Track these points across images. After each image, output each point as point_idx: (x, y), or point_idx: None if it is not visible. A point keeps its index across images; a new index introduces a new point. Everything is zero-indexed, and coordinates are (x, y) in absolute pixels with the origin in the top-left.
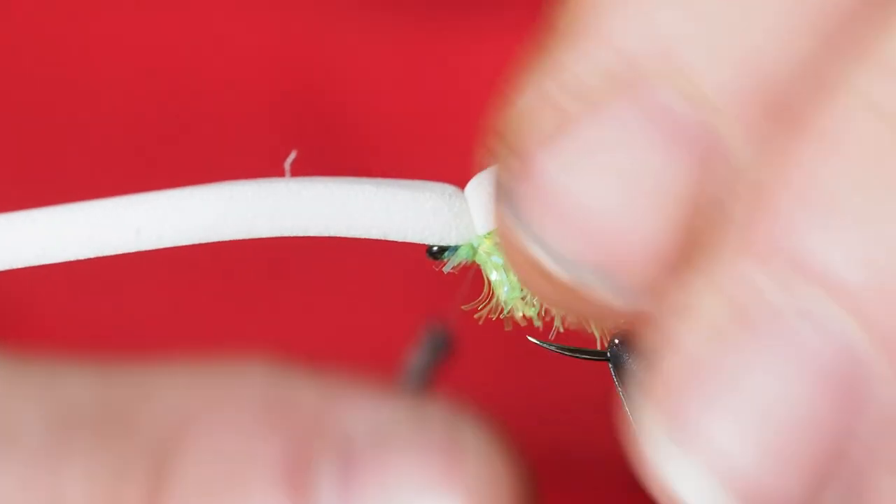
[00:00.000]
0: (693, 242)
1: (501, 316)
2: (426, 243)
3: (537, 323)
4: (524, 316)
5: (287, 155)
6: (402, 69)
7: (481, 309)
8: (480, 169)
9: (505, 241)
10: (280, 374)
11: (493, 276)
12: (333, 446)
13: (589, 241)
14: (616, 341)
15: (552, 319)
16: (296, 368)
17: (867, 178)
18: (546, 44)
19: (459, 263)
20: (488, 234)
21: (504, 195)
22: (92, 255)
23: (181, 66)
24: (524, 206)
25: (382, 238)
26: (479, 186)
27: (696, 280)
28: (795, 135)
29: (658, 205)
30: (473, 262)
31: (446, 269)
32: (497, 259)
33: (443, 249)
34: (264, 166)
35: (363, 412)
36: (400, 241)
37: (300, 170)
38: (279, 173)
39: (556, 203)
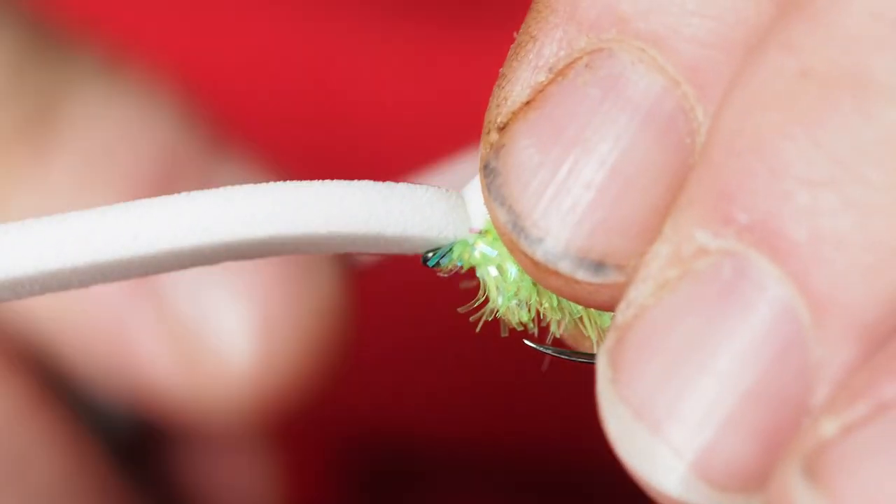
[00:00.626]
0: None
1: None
2: (423, 237)
3: (532, 328)
4: (520, 320)
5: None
6: (409, 78)
7: (478, 313)
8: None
9: (490, 217)
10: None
11: (490, 275)
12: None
13: (557, 217)
14: None
15: (549, 324)
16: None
17: (803, 135)
18: (524, 24)
19: (455, 265)
20: (485, 231)
21: (484, 170)
22: (89, 262)
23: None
24: (499, 181)
25: (380, 234)
26: (475, 185)
27: (655, 242)
28: (735, 92)
29: (624, 178)
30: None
31: (443, 273)
32: (493, 254)
33: (439, 259)
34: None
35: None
36: (398, 236)
37: (304, 175)
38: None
39: (526, 176)
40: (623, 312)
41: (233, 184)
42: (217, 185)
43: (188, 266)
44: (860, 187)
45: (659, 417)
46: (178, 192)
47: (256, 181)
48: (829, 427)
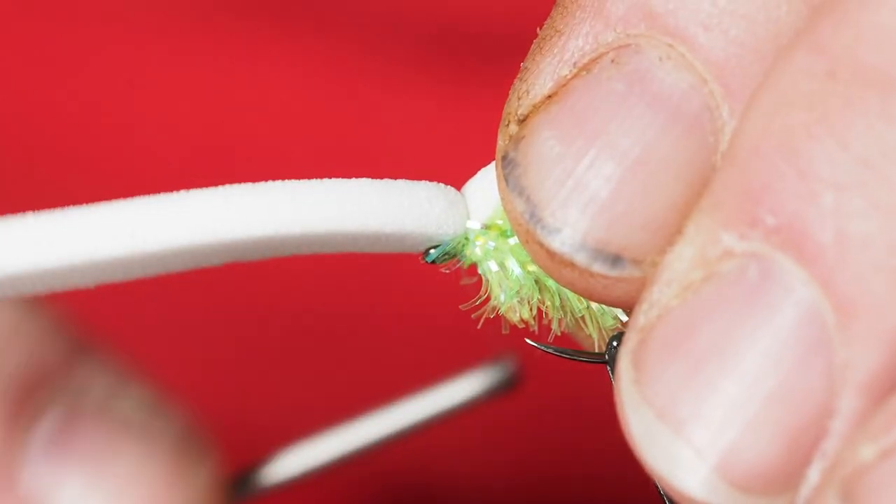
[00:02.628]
0: (687, 213)
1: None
2: (423, 233)
3: (533, 326)
4: (521, 318)
5: None
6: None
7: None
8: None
9: (505, 208)
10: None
11: (490, 269)
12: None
13: (577, 210)
14: (614, 343)
15: (550, 322)
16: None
17: (829, 137)
18: (549, 19)
19: (454, 260)
20: (485, 227)
21: (503, 161)
22: (87, 259)
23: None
24: (518, 172)
25: (379, 231)
26: (477, 181)
27: (677, 242)
28: (763, 92)
29: (646, 173)
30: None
31: (444, 269)
32: (492, 246)
33: (440, 255)
34: None
35: (101, 379)
36: (398, 232)
37: None
38: None
39: (546, 167)
40: (646, 313)
41: (100, 392)
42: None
43: (189, 266)
44: (887, 189)
45: (682, 418)
46: (44, 398)
47: (125, 384)
48: (866, 452)
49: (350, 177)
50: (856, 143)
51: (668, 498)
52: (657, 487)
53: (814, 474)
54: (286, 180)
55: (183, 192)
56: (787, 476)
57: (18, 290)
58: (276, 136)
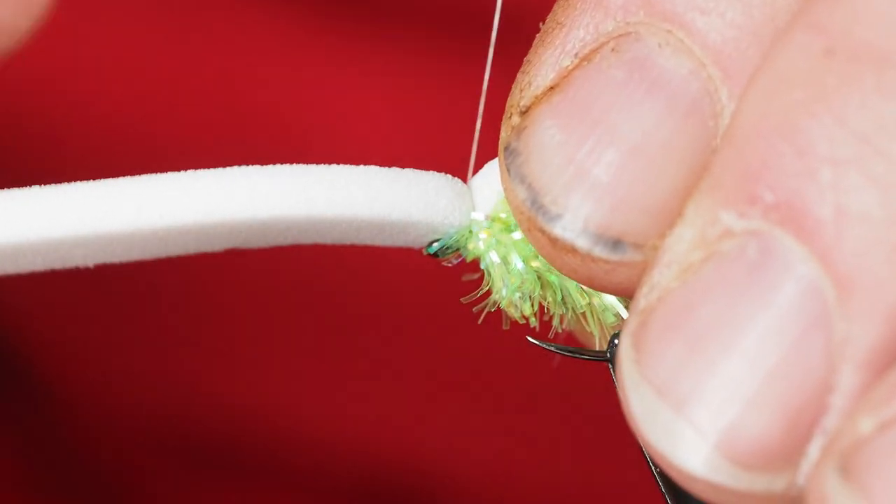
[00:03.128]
0: (687, 197)
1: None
2: (428, 223)
3: (534, 322)
4: (522, 314)
5: None
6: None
7: (480, 304)
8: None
9: (507, 197)
10: None
11: (492, 263)
12: None
13: (578, 196)
14: (616, 341)
15: (551, 318)
16: None
17: (827, 114)
18: (552, 13)
19: (456, 253)
20: (490, 220)
21: (505, 151)
22: (92, 232)
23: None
24: (520, 161)
25: (384, 219)
26: (483, 175)
27: (677, 224)
28: (761, 73)
29: (646, 158)
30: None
31: (446, 263)
32: (496, 240)
33: (442, 248)
34: None
35: None
36: (403, 221)
37: None
38: None
39: (547, 155)
40: (646, 296)
41: None
42: None
43: (191, 250)
44: (884, 164)
45: (682, 397)
46: None
47: None
48: (865, 424)
49: (364, 160)
50: (853, 119)
51: (662, 480)
52: (652, 469)
53: (814, 450)
54: (294, 164)
55: (190, 172)
56: (787, 453)
57: (19, 264)
58: (293, 115)
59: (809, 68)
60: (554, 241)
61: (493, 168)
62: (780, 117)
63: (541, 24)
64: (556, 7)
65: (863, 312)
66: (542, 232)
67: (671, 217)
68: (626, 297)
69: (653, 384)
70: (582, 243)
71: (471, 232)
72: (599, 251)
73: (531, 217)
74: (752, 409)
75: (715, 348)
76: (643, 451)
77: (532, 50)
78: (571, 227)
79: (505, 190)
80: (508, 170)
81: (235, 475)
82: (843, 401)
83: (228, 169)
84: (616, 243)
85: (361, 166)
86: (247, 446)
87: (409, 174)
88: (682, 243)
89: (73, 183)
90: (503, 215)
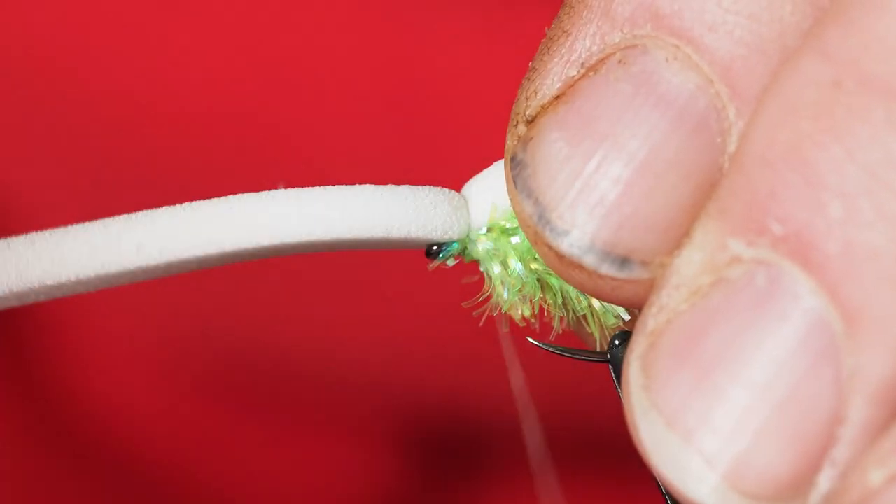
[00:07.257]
0: (695, 214)
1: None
2: (428, 238)
3: (534, 324)
4: (522, 316)
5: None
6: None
7: (480, 308)
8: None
9: (513, 209)
10: None
11: (492, 270)
12: None
13: (585, 212)
14: (616, 342)
15: (551, 320)
16: None
17: (836, 146)
18: (557, 19)
19: (457, 258)
20: (487, 229)
21: (511, 162)
22: (95, 274)
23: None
24: (527, 174)
25: (384, 238)
26: (477, 183)
27: (685, 246)
28: (769, 100)
29: (653, 174)
30: (473, 262)
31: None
32: (494, 248)
33: (440, 249)
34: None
35: None
36: (403, 239)
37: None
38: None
39: (554, 169)
40: (655, 318)
41: None
42: None
43: (192, 269)
44: (893, 199)
45: (692, 426)
46: None
47: None
48: (875, 476)
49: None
50: (862, 152)
51: (672, 502)
52: (661, 490)
53: (823, 481)
54: (290, 189)
55: (187, 204)
56: (796, 483)
57: (23, 300)
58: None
59: (818, 98)
60: (561, 257)
61: (488, 174)
62: (788, 146)
63: (546, 29)
64: (560, 14)
65: (871, 346)
66: (549, 247)
67: (679, 234)
68: (634, 309)
69: (662, 413)
70: (589, 261)
71: (469, 241)
72: (607, 269)
73: (538, 232)
74: (760, 440)
75: (724, 377)
76: (652, 474)
77: (537, 57)
78: (578, 244)
79: (511, 201)
80: (515, 182)
81: (246, 410)
82: (852, 433)
83: (225, 199)
84: (623, 261)
85: (358, 186)
86: (263, 382)
87: (405, 191)
88: (690, 266)
89: (72, 226)
90: (501, 221)
